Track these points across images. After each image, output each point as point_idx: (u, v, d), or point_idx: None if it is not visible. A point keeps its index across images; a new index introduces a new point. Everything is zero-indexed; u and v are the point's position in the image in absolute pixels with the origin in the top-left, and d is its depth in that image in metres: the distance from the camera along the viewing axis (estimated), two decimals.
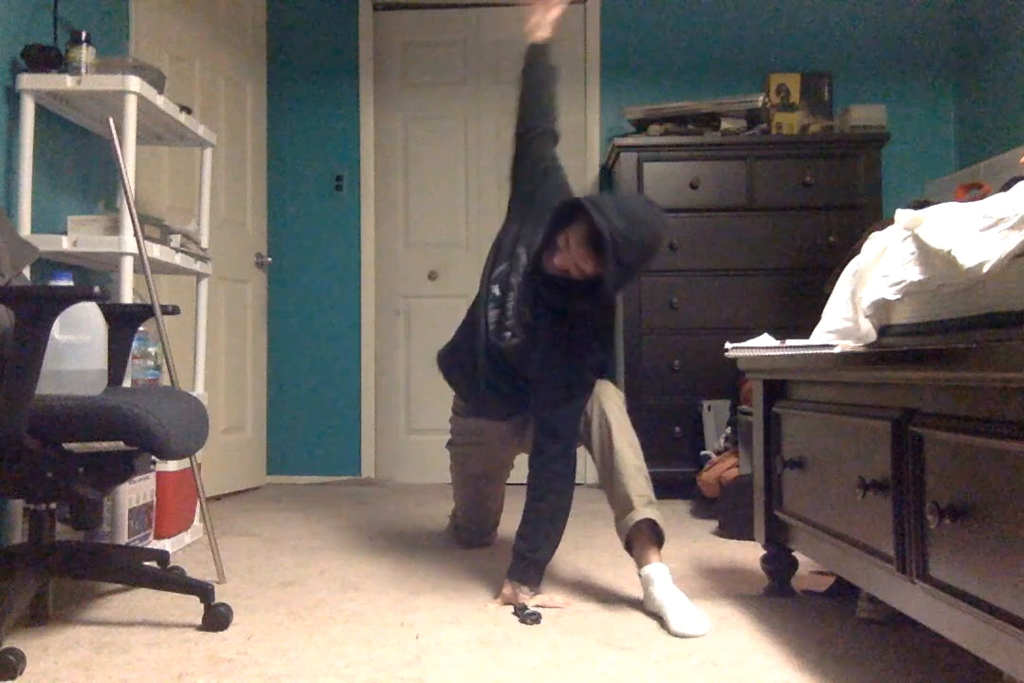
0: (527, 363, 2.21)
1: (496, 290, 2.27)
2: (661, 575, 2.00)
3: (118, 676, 1.59)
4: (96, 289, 1.67)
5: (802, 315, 2.70)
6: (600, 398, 2.19)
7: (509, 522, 2.74)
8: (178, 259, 2.75)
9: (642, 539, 2.08)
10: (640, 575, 2.05)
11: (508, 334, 2.22)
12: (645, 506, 2.08)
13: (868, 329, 1.85)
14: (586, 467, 4.09)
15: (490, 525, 2.73)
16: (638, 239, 1.95)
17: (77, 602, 2.07)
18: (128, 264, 2.48)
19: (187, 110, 2.86)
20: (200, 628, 1.85)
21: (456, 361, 2.40)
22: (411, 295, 4.34)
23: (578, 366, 2.17)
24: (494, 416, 2.42)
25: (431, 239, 4.34)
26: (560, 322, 2.16)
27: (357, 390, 4.29)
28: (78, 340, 1.85)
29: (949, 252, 1.46)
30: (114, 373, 2.16)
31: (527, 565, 2.08)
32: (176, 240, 2.77)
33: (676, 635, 1.83)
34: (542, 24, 2.40)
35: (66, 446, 1.77)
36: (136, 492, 2.49)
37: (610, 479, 2.14)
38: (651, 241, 2.00)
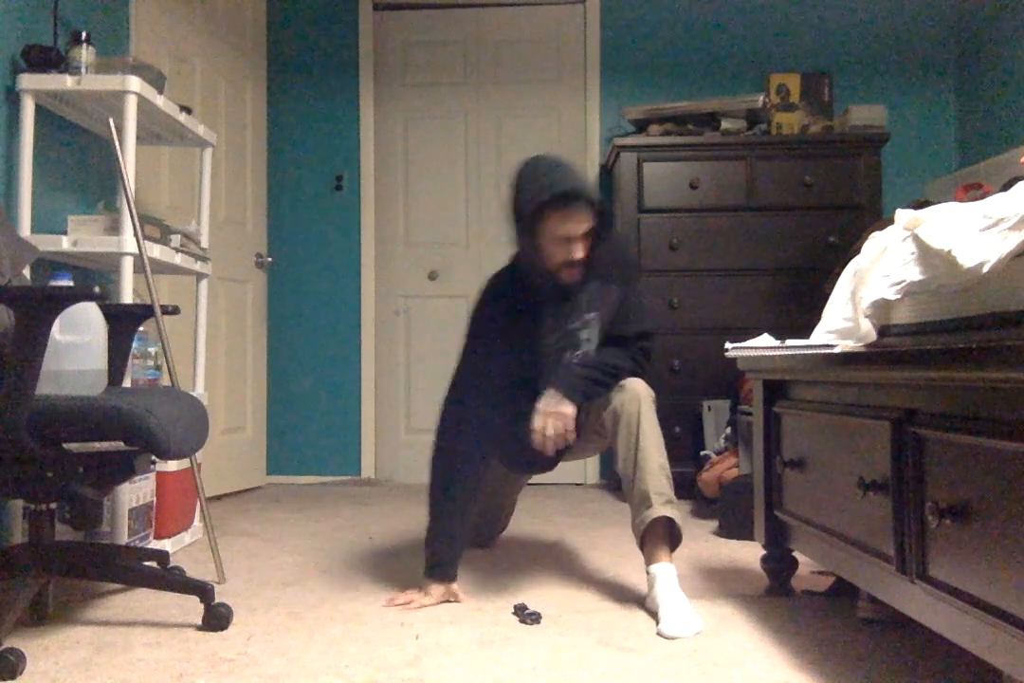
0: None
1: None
2: (666, 575, 2.00)
3: (118, 676, 1.59)
4: (96, 289, 1.67)
5: (802, 315, 2.70)
6: (631, 394, 2.17)
7: (511, 524, 2.74)
8: (178, 259, 2.76)
9: (655, 537, 2.07)
10: (647, 573, 2.05)
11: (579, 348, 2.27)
12: (663, 505, 2.07)
13: (868, 329, 1.85)
14: (587, 467, 4.10)
15: (498, 529, 2.71)
16: (577, 177, 2.16)
17: (77, 602, 2.07)
18: (128, 264, 2.48)
19: (187, 110, 2.86)
20: (200, 628, 1.85)
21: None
22: (411, 295, 4.34)
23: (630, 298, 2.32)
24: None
25: (431, 239, 4.34)
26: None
27: (357, 390, 4.29)
28: (78, 340, 1.85)
29: (949, 252, 1.46)
30: (114, 373, 2.16)
31: (574, 378, 2.17)
32: (176, 240, 2.77)
33: (662, 636, 1.82)
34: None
35: (66, 446, 1.77)
36: (136, 492, 2.49)
37: (632, 476, 2.12)
38: (573, 168, 2.18)
